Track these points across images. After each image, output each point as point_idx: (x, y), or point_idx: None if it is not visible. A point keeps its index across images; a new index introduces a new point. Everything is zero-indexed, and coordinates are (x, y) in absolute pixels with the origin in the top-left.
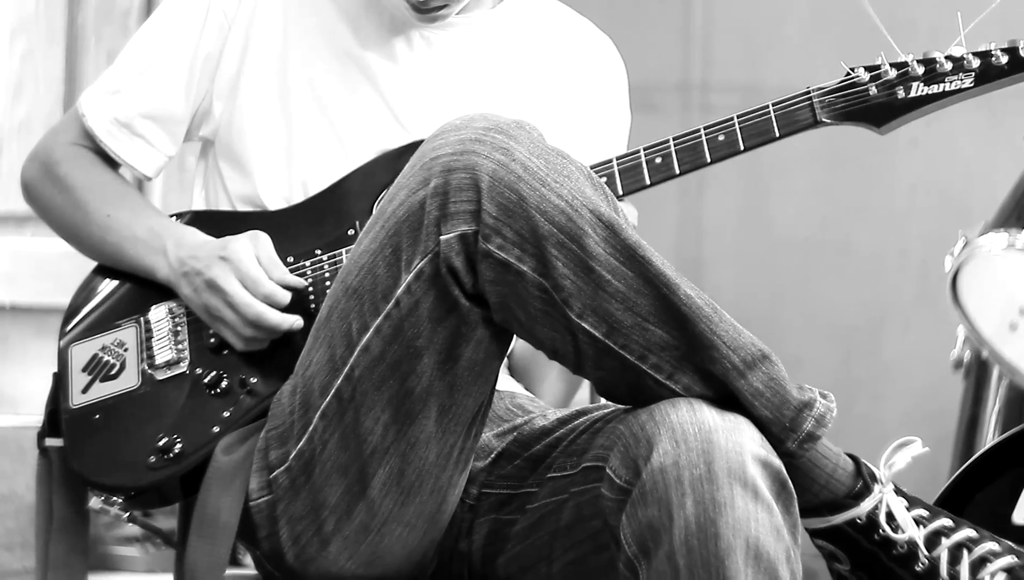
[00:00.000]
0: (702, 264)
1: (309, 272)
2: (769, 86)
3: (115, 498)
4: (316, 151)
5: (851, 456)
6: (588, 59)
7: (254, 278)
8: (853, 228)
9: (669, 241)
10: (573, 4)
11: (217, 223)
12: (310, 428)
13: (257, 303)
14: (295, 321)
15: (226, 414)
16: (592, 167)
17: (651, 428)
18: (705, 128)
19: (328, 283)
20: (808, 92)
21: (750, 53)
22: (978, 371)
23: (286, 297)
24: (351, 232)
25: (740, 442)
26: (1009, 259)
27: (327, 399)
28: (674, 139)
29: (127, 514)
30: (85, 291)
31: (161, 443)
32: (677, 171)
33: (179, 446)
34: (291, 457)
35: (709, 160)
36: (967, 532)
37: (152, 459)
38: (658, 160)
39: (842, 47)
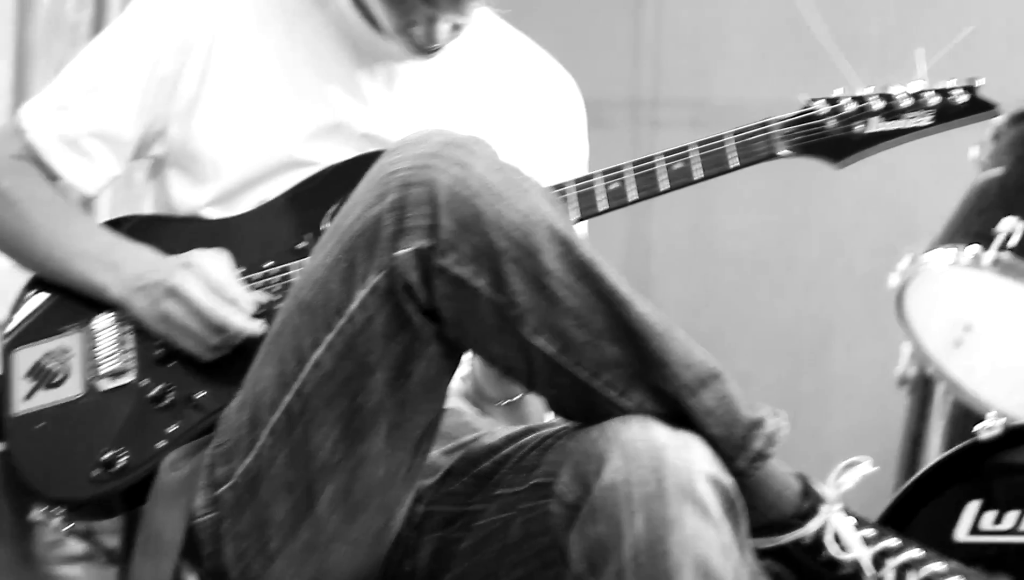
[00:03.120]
0: (651, 280)
1: (259, 285)
2: (718, 101)
3: (56, 509)
4: (275, 180)
5: (799, 475)
6: (549, 91)
7: (220, 283)
8: (800, 243)
9: (618, 257)
10: (524, 19)
11: (163, 228)
12: (258, 444)
13: (222, 306)
14: (259, 326)
15: (172, 429)
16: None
17: (602, 445)
18: (663, 155)
19: (278, 296)
20: (766, 123)
21: (699, 68)
22: (923, 387)
23: (251, 305)
24: (300, 245)
25: (691, 460)
26: (955, 276)
27: (276, 415)
28: (631, 165)
29: (69, 526)
30: (28, 294)
31: (105, 457)
32: (634, 197)
33: (123, 460)
34: (238, 474)
35: (666, 188)
36: (913, 552)
37: (95, 472)
38: (614, 186)
39: (791, 63)
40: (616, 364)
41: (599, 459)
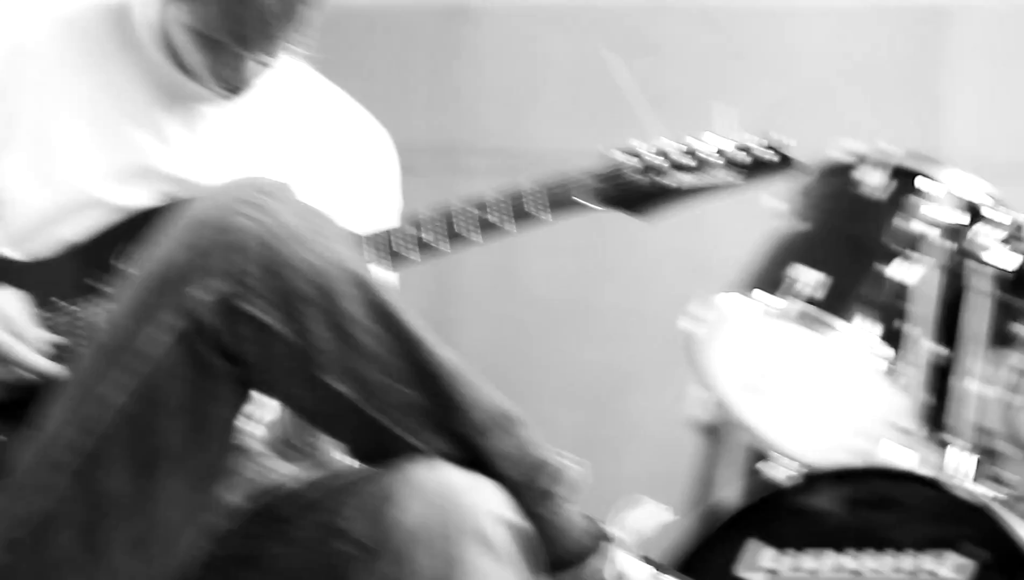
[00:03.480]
0: (454, 323)
1: (53, 325)
2: (530, 151)
3: None
4: (76, 221)
5: (589, 517)
6: (358, 142)
7: (10, 317)
8: (602, 290)
9: (422, 301)
10: (340, 65)
11: None
12: (50, 485)
13: (15, 343)
14: (49, 365)
15: None
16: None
17: (394, 486)
18: (472, 206)
19: (71, 338)
20: (573, 175)
21: (511, 118)
22: (716, 432)
23: (42, 343)
24: (97, 287)
25: (482, 501)
26: (750, 323)
27: (69, 455)
28: (443, 216)
29: None
30: None
31: None
32: (443, 248)
33: None
34: (29, 515)
35: (475, 238)
36: None
37: None
38: (424, 236)
39: (602, 116)
40: (414, 408)
41: (391, 500)
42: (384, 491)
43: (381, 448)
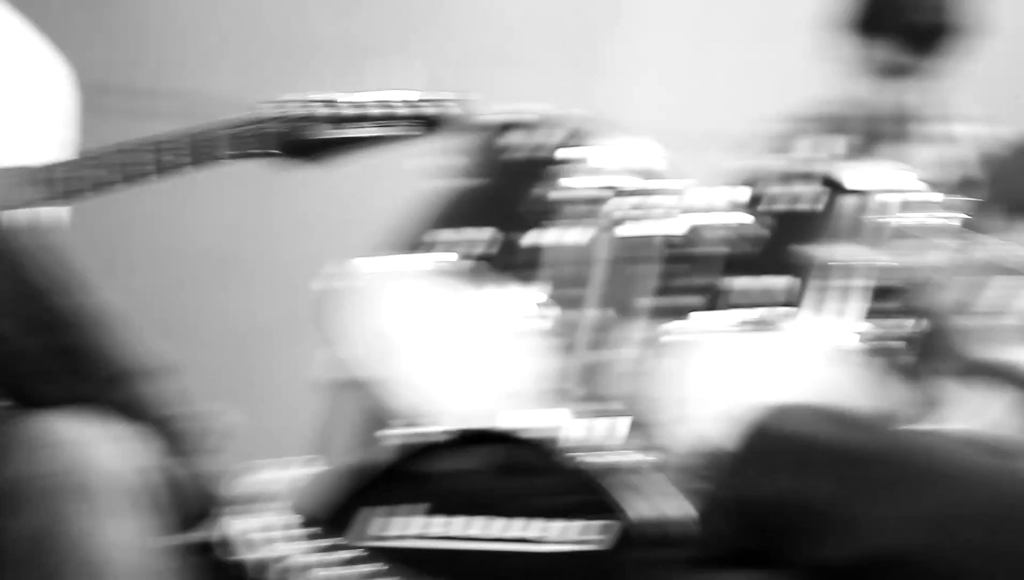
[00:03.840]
0: (107, 268)
1: None
2: (212, 94)
3: None
4: None
5: (217, 472)
6: (35, 73)
7: None
8: (250, 242)
9: (79, 243)
10: None
11: None
12: None
13: None
14: None
15: None
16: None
17: (9, 436)
18: (140, 146)
19: None
20: (236, 124)
21: (196, 60)
22: (343, 390)
23: None
24: None
25: (104, 454)
26: (380, 285)
27: None
28: (115, 154)
29: None
30: None
31: None
32: (116, 186)
33: None
34: None
35: (151, 178)
36: (341, 553)
37: None
38: (97, 173)
39: (284, 62)
40: (47, 353)
41: (3, 451)
42: None
43: (11, 392)
